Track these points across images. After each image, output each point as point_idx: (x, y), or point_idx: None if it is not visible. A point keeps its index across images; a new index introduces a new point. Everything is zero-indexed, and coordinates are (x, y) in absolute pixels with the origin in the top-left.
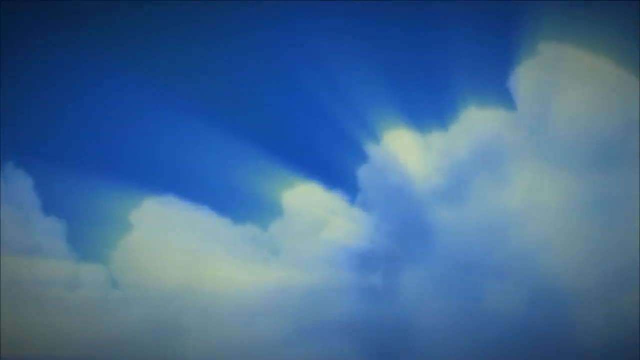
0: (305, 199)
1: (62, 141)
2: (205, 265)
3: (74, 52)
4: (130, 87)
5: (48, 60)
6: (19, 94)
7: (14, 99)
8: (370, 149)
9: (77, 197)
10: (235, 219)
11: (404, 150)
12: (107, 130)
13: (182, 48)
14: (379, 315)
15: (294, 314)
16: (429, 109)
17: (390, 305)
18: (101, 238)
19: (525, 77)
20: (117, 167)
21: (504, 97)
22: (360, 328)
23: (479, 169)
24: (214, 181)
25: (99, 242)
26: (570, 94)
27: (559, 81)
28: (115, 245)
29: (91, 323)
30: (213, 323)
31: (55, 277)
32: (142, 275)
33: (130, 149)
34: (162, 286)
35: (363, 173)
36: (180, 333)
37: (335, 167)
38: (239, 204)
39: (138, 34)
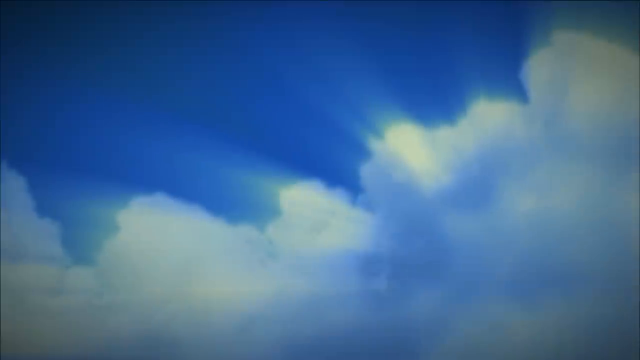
0: (304, 198)
1: (54, 140)
2: (198, 269)
3: (66, 56)
4: (121, 88)
5: (41, 64)
6: (12, 97)
7: (7, 101)
8: (373, 145)
9: (66, 199)
10: (229, 220)
11: (409, 147)
12: (98, 130)
13: (175, 48)
14: (383, 324)
15: (292, 321)
16: (435, 102)
17: (396, 313)
18: (87, 240)
19: (538, 68)
20: (104, 166)
21: (516, 89)
22: (364, 337)
23: (489, 166)
24: (206, 179)
25: (85, 245)
26: (587, 85)
27: (575, 72)
28: (102, 248)
29: (77, 330)
30: (206, 331)
31: (42, 282)
32: (130, 280)
33: (120, 148)
34: (151, 291)
35: (366, 171)
36: (171, 341)
37: (336, 165)
38: (233, 204)
39: (127, 36)
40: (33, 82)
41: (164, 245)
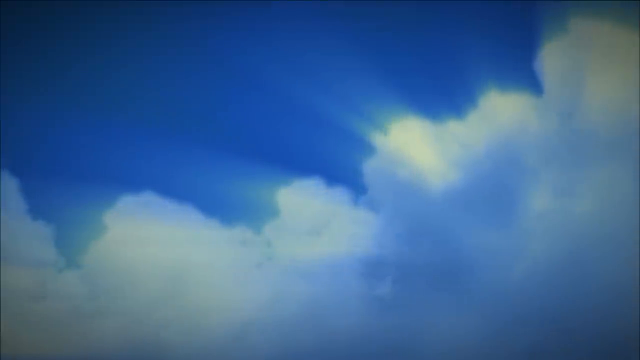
0: (303, 197)
1: (50, 143)
2: (191, 272)
3: (56, 64)
4: (114, 91)
5: (33, 71)
6: (7, 102)
7: (3, 106)
8: (377, 141)
9: (60, 202)
10: (224, 220)
11: (415, 142)
12: (92, 131)
13: (172, 48)
14: (387, 331)
15: (290, 328)
16: (443, 95)
17: (400, 320)
18: (81, 244)
19: (553, 58)
20: (99, 169)
21: (529, 81)
22: (366, 344)
23: (501, 162)
24: (199, 178)
25: (78, 248)
26: (605, 75)
27: (592, 62)
28: (96, 251)
29: (71, 332)
30: (199, 337)
31: (36, 285)
32: (123, 283)
33: (116, 151)
34: (145, 295)
35: (369, 168)
36: (162, 348)
37: (337, 162)
38: (228, 203)
39: (121, 39)
40: (28, 89)
41: (156, 247)
